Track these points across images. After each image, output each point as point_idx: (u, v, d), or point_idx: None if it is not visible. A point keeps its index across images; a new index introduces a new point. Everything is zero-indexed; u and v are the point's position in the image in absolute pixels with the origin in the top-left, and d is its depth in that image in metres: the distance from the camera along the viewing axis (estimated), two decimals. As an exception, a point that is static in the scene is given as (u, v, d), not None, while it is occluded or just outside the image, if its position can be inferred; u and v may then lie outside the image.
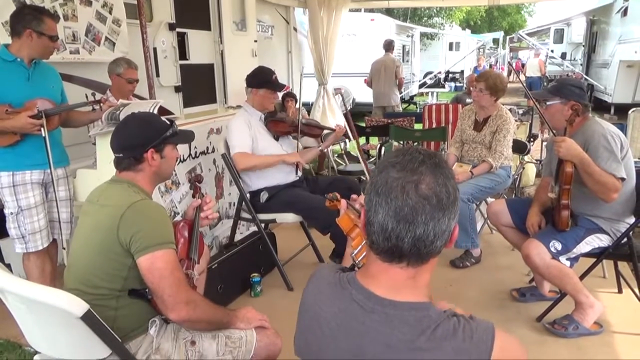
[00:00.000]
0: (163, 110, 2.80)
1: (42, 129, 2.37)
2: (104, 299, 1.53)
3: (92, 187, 1.73)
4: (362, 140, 6.00)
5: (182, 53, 4.79)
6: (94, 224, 1.58)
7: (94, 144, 2.94)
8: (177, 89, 4.72)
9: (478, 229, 3.52)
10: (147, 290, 1.54)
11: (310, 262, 3.40)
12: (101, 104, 2.70)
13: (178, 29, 4.65)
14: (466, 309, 0.99)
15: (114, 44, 3.77)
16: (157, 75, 4.32)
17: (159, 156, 1.71)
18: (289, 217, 3.00)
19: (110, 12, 3.72)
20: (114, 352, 1.46)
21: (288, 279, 3.06)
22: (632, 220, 2.45)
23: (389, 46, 7.66)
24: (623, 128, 4.62)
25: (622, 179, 2.30)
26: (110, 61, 3.34)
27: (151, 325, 1.59)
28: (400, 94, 8.01)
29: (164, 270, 1.50)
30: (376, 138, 6.08)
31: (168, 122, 1.80)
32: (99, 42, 3.65)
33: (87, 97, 2.94)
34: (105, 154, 2.62)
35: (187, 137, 1.97)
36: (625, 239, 2.42)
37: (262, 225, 3.14)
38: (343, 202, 1.48)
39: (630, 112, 4.81)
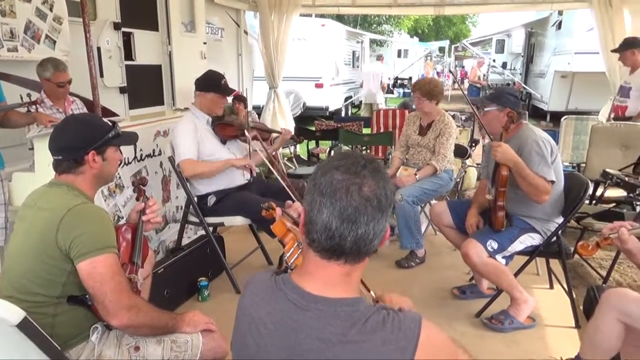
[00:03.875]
0: (106, 112, 2.72)
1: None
2: (41, 306, 1.48)
3: (29, 191, 1.67)
4: (312, 144, 6.07)
5: (128, 53, 4.65)
6: (31, 228, 1.53)
7: (31, 149, 2.79)
8: (122, 90, 4.58)
9: (423, 230, 3.64)
10: (87, 296, 1.50)
11: (260, 264, 3.40)
12: (36, 105, 2.59)
13: (124, 29, 4.52)
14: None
15: (54, 42, 3.62)
16: (102, 75, 4.18)
17: (100, 158, 1.67)
18: (238, 220, 2.99)
19: (50, 10, 3.57)
20: (52, 361, 1.42)
21: (236, 282, 3.05)
22: (560, 220, 2.63)
23: (379, 57, 11.72)
24: (556, 134, 4.92)
25: (552, 182, 2.47)
26: (38, 63, 3.10)
27: (92, 332, 1.56)
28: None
29: (105, 275, 1.47)
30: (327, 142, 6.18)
31: (110, 124, 1.76)
32: (38, 40, 3.49)
33: (21, 97, 2.80)
34: (43, 156, 2.52)
35: (130, 139, 1.92)
36: (554, 238, 2.60)
37: (210, 228, 3.11)
38: (278, 210, 1.66)
39: (562, 119, 5.11)
